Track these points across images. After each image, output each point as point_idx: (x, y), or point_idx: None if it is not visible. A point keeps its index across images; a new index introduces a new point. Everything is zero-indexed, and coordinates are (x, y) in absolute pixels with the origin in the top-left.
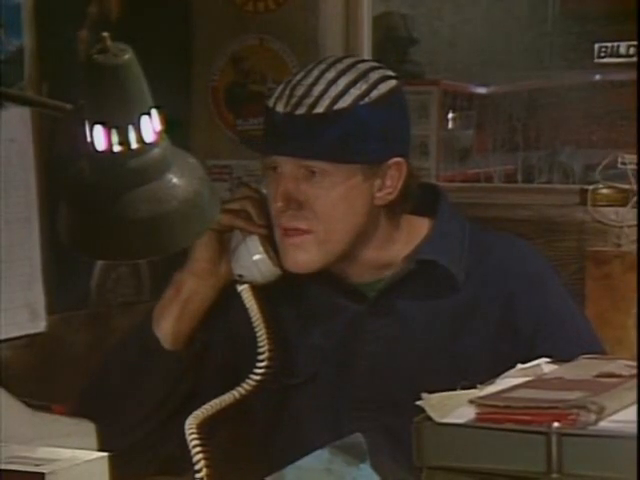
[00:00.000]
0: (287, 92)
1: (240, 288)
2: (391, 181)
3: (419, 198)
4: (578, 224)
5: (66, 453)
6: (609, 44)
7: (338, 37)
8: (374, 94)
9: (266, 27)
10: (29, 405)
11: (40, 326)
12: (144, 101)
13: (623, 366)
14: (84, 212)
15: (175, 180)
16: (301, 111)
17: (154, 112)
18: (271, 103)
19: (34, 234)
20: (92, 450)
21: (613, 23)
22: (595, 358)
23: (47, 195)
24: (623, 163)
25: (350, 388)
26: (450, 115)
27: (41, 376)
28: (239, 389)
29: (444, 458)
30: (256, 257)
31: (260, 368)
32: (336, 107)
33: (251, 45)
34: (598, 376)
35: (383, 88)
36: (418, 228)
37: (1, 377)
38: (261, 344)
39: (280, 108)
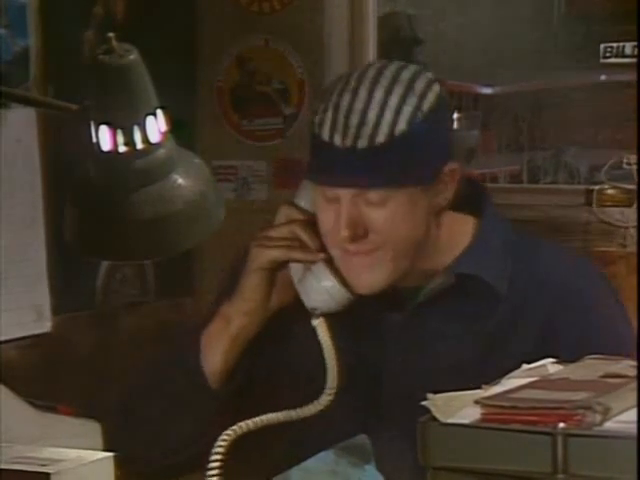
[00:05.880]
0: (341, 120)
1: (315, 322)
2: (446, 186)
3: (462, 196)
4: (583, 224)
5: (72, 453)
6: (615, 44)
7: (343, 38)
8: (425, 106)
9: (271, 28)
10: (35, 405)
11: (45, 326)
12: (149, 101)
13: (629, 367)
14: (89, 213)
15: (180, 181)
16: (363, 144)
17: (159, 112)
18: (325, 135)
19: (40, 235)
20: (98, 450)
21: (619, 23)
22: (601, 358)
23: (53, 196)
24: (628, 163)
25: (378, 398)
26: (455, 115)
27: (46, 376)
28: (297, 411)
29: (449, 458)
30: (327, 285)
31: (325, 399)
32: (396, 133)
33: (256, 46)
34: (604, 377)
35: (431, 97)
36: (461, 230)
37: (7, 377)
38: (330, 378)
39: (338, 141)
